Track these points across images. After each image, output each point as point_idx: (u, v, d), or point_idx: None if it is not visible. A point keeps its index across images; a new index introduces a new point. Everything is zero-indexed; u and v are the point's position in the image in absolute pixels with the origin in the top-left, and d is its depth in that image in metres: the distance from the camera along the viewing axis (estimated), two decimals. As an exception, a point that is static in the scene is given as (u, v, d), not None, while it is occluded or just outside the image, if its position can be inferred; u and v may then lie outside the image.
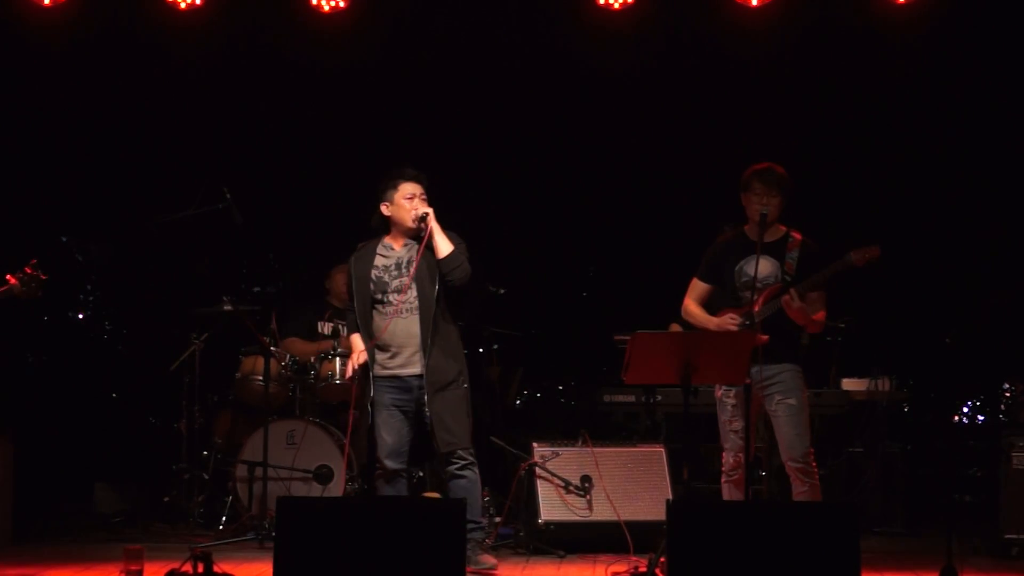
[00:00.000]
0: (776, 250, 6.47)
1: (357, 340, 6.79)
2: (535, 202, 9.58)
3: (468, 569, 6.52)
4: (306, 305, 8.73)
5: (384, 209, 6.75)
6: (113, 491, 8.71)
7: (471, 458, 6.73)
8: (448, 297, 6.68)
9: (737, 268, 6.50)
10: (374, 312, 6.71)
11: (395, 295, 6.66)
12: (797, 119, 9.08)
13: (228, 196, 7.88)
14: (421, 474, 7.97)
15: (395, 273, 6.70)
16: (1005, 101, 8.76)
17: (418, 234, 6.69)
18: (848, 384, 8.37)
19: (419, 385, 6.64)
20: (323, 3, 8.36)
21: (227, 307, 7.82)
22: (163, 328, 9.21)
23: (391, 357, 6.68)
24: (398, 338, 6.65)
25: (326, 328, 8.41)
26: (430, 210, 6.65)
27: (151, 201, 8.75)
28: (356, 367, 6.72)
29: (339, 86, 9.16)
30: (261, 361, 7.87)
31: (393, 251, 6.75)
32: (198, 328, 8.21)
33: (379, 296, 6.70)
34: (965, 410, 10.47)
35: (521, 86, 9.13)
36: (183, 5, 8.27)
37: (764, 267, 6.39)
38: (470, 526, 6.68)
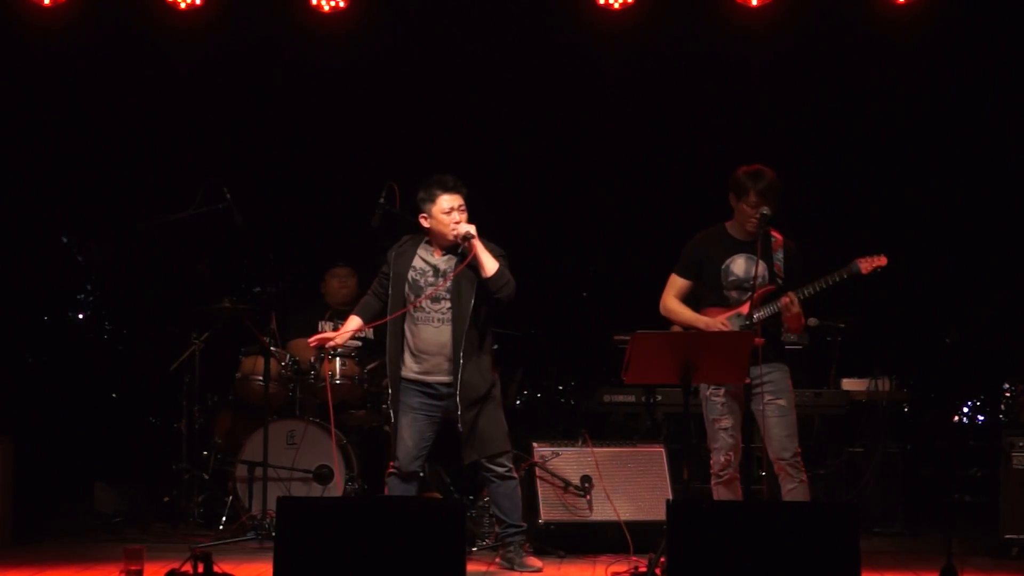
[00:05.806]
0: (761, 250, 6.40)
1: (352, 320, 6.78)
2: (535, 202, 9.57)
3: (514, 573, 6.58)
4: (306, 306, 8.73)
5: (423, 221, 6.65)
6: (113, 491, 8.70)
7: (510, 464, 6.74)
8: (489, 311, 6.64)
9: (723, 267, 6.46)
10: (407, 316, 6.65)
11: (429, 302, 6.61)
12: (797, 119, 9.07)
13: (228, 196, 7.89)
14: (422, 474, 7.96)
15: (432, 280, 6.62)
16: (1005, 102, 8.75)
17: (458, 247, 6.60)
18: (848, 384, 8.36)
19: (449, 393, 6.60)
20: (323, 3, 8.36)
21: (227, 306, 7.83)
22: (163, 328, 9.20)
23: (420, 363, 6.65)
24: (429, 346, 6.62)
25: (326, 328, 8.40)
26: (473, 230, 6.52)
27: (151, 201, 8.75)
28: (322, 340, 6.76)
29: (339, 86, 9.16)
30: (261, 361, 7.87)
31: (433, 258, 6.68)
32: (198, 328, 8.21)
33: (412, 299, 6.64)
34: (965, 410, 10.45)
35: (521, 86, 9.12)
36: (183, 5, 8.27)
37: (752, 267, 6.36)
38: (511, 530, 6.74)
